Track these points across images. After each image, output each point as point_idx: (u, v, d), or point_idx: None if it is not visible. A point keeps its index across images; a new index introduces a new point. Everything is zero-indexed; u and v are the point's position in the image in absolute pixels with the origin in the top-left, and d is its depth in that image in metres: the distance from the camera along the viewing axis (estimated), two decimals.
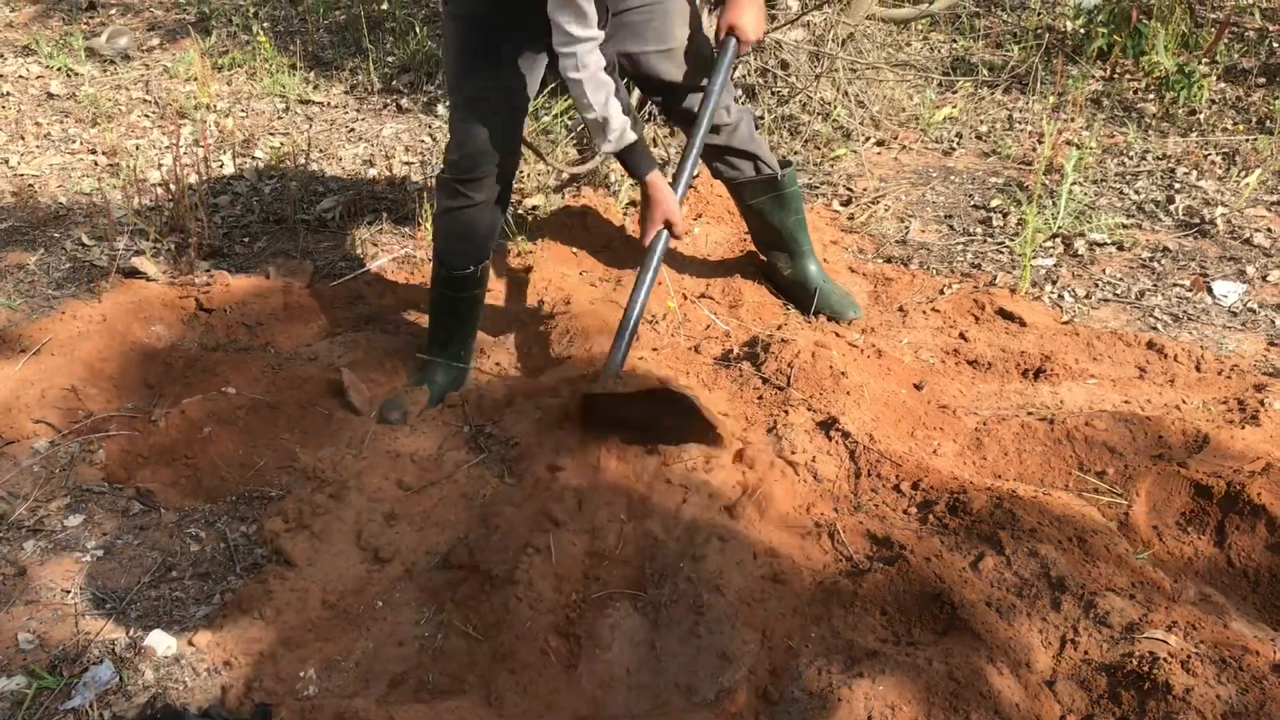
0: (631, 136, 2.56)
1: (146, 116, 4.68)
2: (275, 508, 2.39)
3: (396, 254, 3.50)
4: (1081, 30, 5.21)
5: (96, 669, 1.97)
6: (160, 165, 4.11)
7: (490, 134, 2.60)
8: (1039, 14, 5.53)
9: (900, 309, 3.19)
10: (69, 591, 2.17)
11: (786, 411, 2.62)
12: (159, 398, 2.77)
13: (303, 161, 4.16)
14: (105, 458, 2.55)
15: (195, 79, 4.96)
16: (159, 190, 3.83)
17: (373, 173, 4.15)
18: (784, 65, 4.32)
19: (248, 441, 2.62)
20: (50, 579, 2.20)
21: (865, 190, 3.97)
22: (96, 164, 4.19)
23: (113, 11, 6.16)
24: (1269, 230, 3.58)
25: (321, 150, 4.35)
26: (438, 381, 2.80)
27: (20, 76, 5.11)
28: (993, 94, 4.79)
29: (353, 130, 4.57)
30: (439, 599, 2.12)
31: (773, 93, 4.34)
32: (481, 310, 2.89)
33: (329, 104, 4.85)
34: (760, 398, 2.69)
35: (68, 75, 5.14)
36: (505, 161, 2.66)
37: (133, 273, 3.33)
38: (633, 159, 2.61)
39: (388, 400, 2.73)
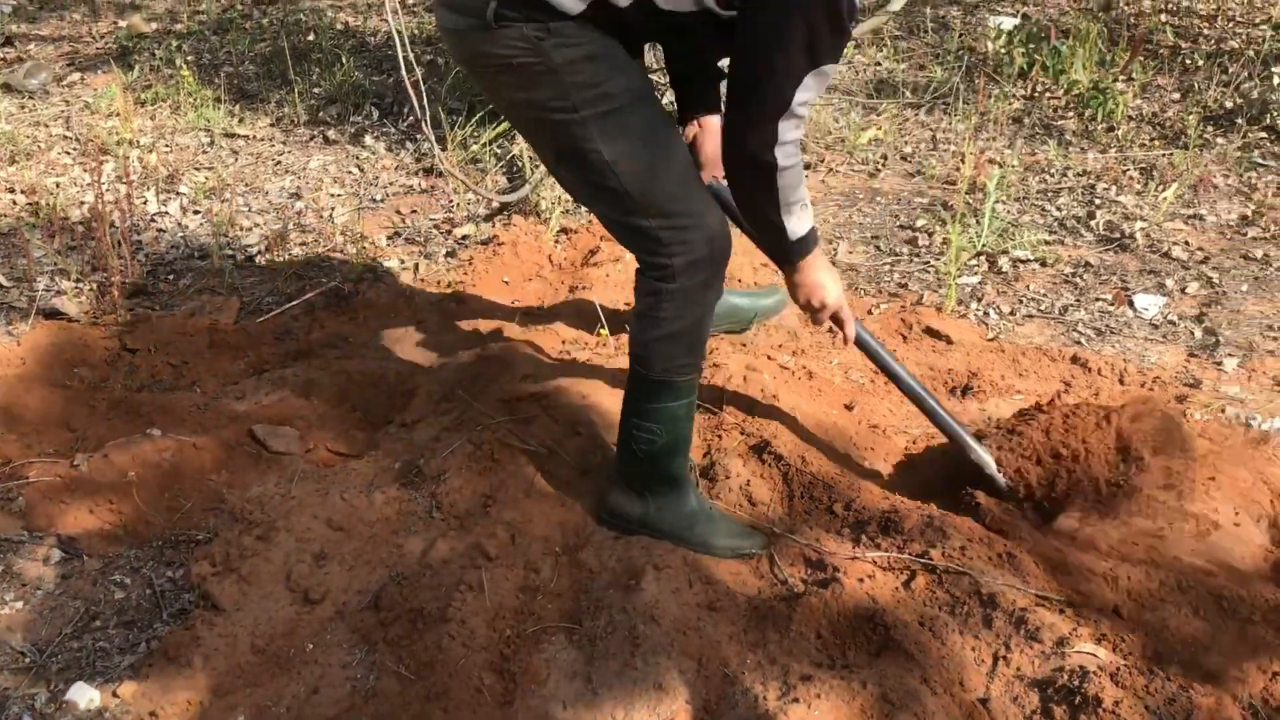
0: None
1: (67, 153, 4.60)
2: (202, 551, 2.34)
3: (323, 288, 3.46)
4: (1002, 50, 5.31)
5: None
6: (82, 203, 4.04)
7: (713, 218, 2.16)
8: (960, 35, 5.64)
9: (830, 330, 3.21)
10: None
11: (720, 436, 2.62)
12: (82, 441, 2.70)
13: (228, 196, 4.11)
14: (25, 505, 2.48)
15: (117, 114, 4.88)
16: (80, 228, 3.77)
17: (299, 206, 4.11)
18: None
19: (174, 484, 2.57)
20: None
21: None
22: (15, 203, 4.11)
23: (31, 46, 6.06)
24: (1186, 243, 3.67)
25: (247, 184, 4.30)
26: (723, 534, 2.33)
27: None
28: (916, 115, 4.86)
29: (279, 163, 4.53)
30: (371, 639, 2.09)
31: None
32: None
33: (255, 137, 4.80)
34: None
35: None
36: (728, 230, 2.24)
37: (54, 313, 3.26)
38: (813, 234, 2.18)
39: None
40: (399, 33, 3.96)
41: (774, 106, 1.93)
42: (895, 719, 1.85)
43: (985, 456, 2.42)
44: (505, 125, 4.41)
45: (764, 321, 3.13)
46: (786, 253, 2.16)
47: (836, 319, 2.30)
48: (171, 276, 3.60)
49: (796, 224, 2.10)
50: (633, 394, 2.30)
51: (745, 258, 3.41)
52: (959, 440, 2.43)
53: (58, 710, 1.95)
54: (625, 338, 3.07)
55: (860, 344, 2.43)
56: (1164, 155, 4.30)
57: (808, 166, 4.39)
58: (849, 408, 2.78)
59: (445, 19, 2.06)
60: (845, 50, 2.17)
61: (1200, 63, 5.18)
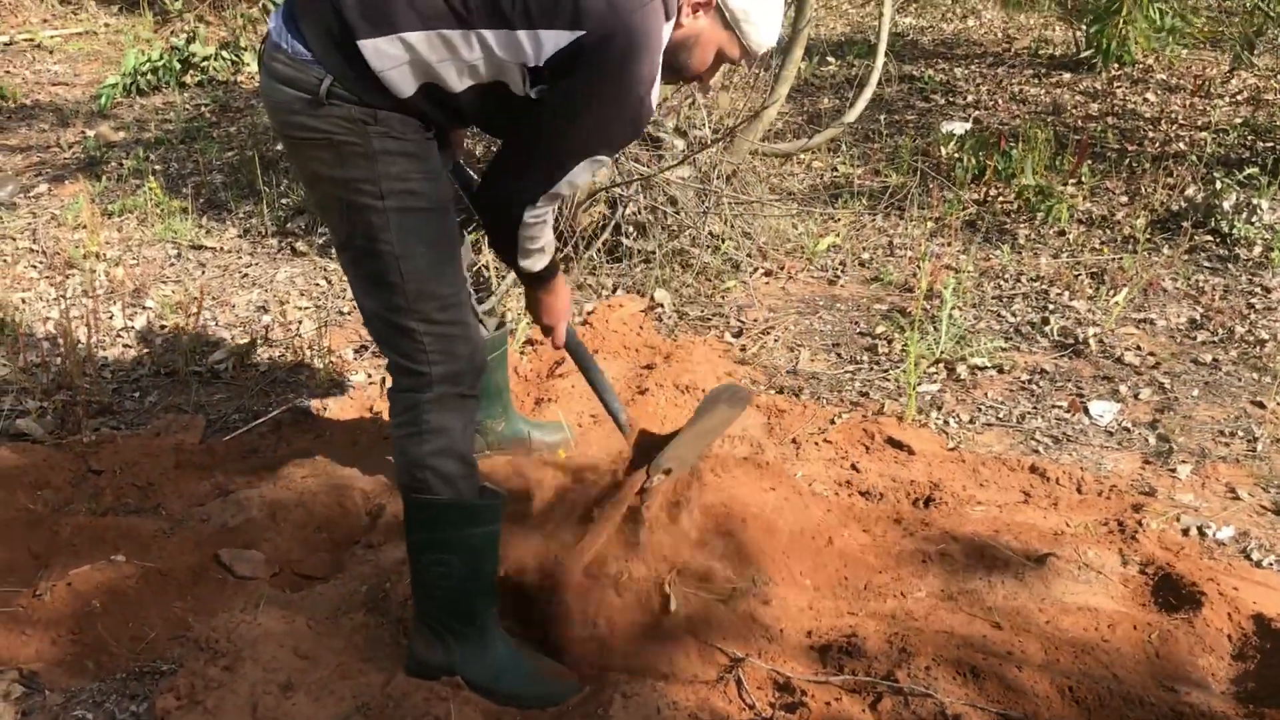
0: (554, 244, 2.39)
1: (34, 267, 4.62)
2: (167, 683, 2.31)
3: (289, 404, 3.48)
4: (955, 155, 5.47)
5: None
6: (47, 319, 4.05)
7: (475, 331, 2.26)
8: (914, 140, 5.80)
9: (794, 441, 3.26)
10: None
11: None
12: (45, 569, 2.68)
13: (194, 310, 4.14)
14: None
15: (84, 226, 4.92)
16: (45, 344, 3.77)
17: (267, 319, 4.15)
18: (673, 201, 4.46)
19: (138, 613, 2.55)
20: None
21: (756, 320, 4.07)
22: None
23: None
24: (1138, 348, 3.76)
25: (214, 297, 4.33)
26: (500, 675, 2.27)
27: None
28: (873, 220, 4.98)
29: (246, 275, 4.56)
30: None
31: (663, 228, 4.46)
32: None
33: (222, 248, 4.84)
34: None
35: None
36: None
37: (18, 435, 3.25)
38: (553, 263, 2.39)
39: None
40: None
41: (544, 181, 2.12)
42: None
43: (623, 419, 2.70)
44: (473, 236, 4.47)
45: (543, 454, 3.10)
46: (521, 276, 2.39)
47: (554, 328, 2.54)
48: (137, 394, 3.61)
49: (533, 263, 2.32)
50: (421, 524, 2.23)
51: (708, 366, 3.47)
52: (611, 409, 2.69)
53: None
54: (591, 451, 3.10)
55: (568, 347, 2.64)
56: (1114, 260, 4.42)
57: (768, 274, 4.48)
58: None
59: (271, 90, 2.08)
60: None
61: (1146, 166, 5.35)
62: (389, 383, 2.26)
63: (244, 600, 2.58)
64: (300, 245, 4.81)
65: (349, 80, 2.01)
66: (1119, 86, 6.90)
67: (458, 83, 2.05)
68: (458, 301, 2.19)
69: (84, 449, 3.15)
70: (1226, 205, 4.67)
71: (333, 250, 4.72)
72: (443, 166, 2.23)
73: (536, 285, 2.42)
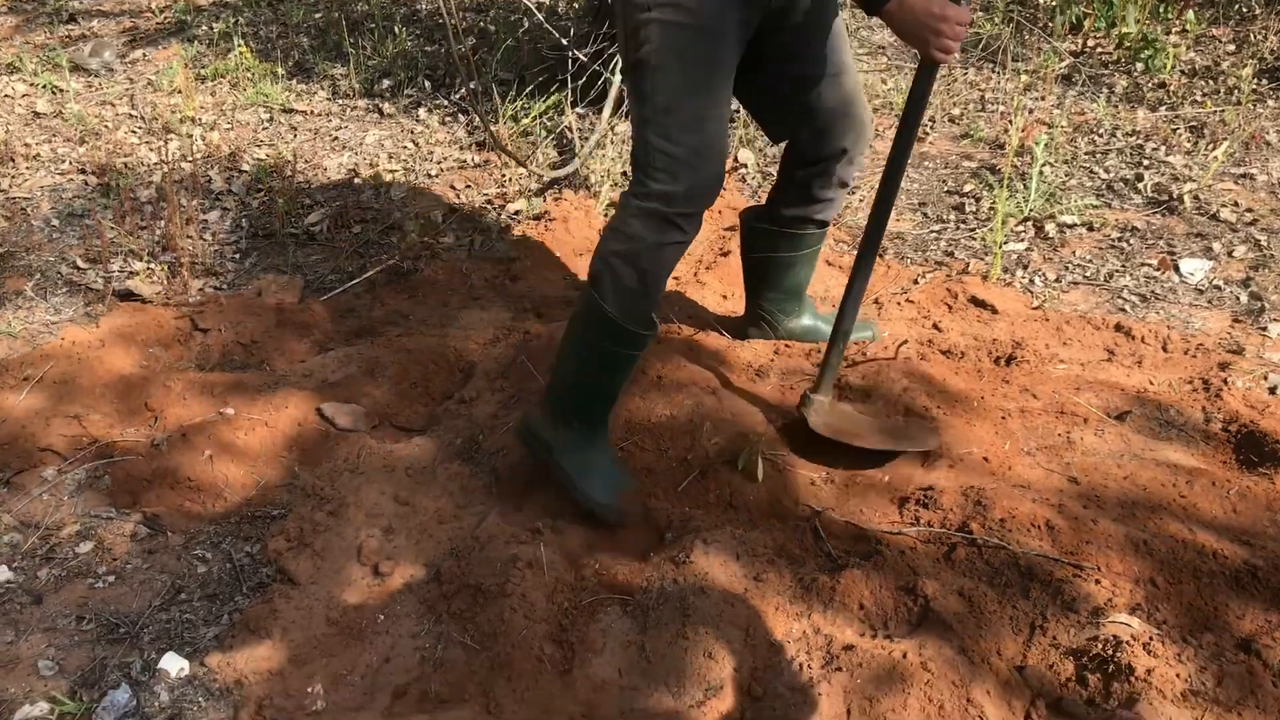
0: None
1: (133, 132, 4.75)
2: (278, 527, 2.48)
3: (384, 265, 3.58)
4: (1053, 3, 5.27)
5: (114, 693, 2.07)
6: (150, 183, 4.19)
7: (717, 160, 2.27)
8: None
9: (876, 301, 3.27)
10: (83, 618, 2.27)
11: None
12: (160, 421, 2.86)
13: (289, 174, 4.24)
14: (111, 484, 2.64)
15: (179, 91, 5.02)
16: (149, 208, 3.91)
17: (357, 182, 4.23)
18: None
19: (248, 462, 2.71)
20: (65, 606, 2.30)
21: None
22: (87, 184, 4.26)
23: (94, 23, 6.20)
24: (1235, 204, 3.67)
25: (307, 160, 4.42)
26: (592, 467, 2.42)
27: (6, 96, 5.16)
28: (965, 74, 4.86)
29: (336, 139, 4.64)
30: (436, 611, 2.22)
31: None
32: None
33: (312, 112, 4.91)
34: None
35: (53, 92, 5.20)
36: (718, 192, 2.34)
37: (128, 295, 3.41)
38: None
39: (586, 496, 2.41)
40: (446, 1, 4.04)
41: None
42: (935, 687, 1.94)
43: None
44: (555, 97, 4.49)
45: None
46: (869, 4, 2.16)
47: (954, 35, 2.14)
48: (237, 256, 3.74)
49: None
50: (581, 317, 2.37)
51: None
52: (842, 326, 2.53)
53: (152, 678, 2.11)
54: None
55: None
56: (1215, 113, 4.27)
57: None
58: None
59: None
60: None
61: (1258, 10, 5.10)
62: None
63: (346, 451, 2.72)
64: (387, 107, 4.87)
65: None
66: None
67: None
68: (701, 129, 2.22)
69: (190, 309, 3.30)
70: None
71: (419, 112, 4.77)
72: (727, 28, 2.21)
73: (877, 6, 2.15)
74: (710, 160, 2.25)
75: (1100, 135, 4.24)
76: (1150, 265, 3.38)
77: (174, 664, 2.13)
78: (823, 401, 2.55)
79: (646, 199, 2.24)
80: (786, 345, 2.93)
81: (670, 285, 3.05)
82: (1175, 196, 3.73)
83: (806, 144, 2.61)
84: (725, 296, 3.34)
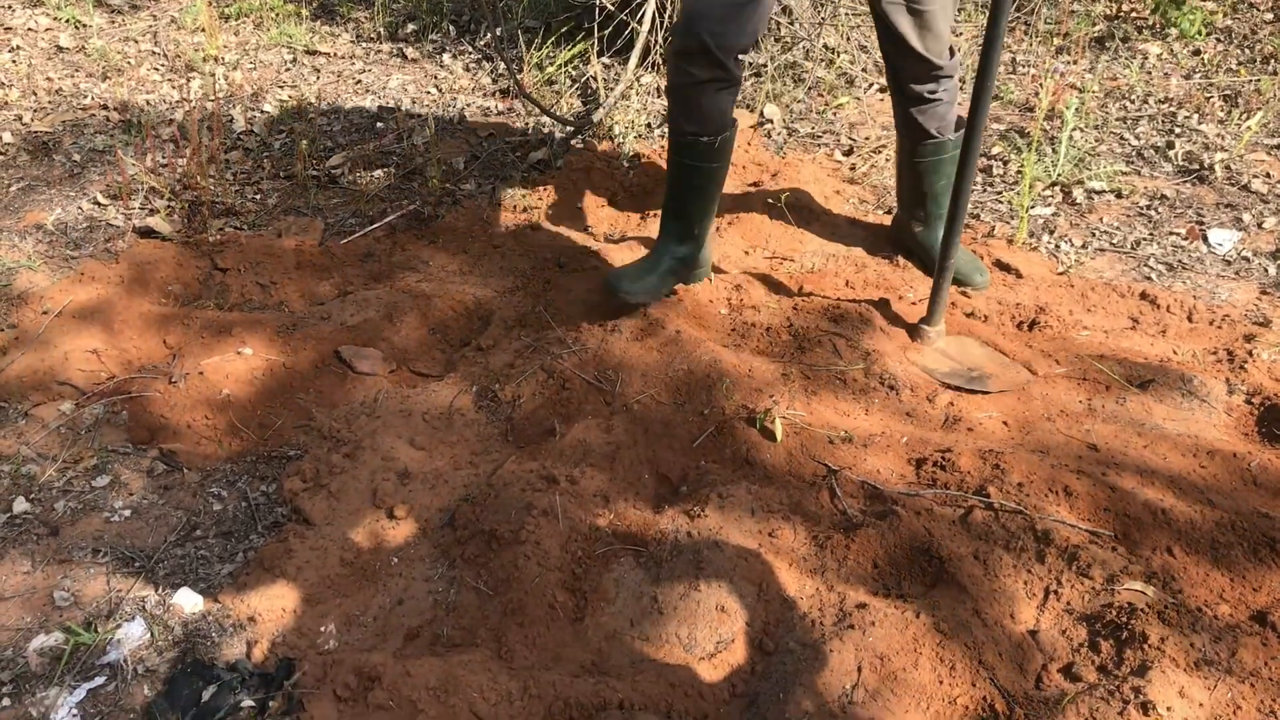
0: None
1: (156, 70, 4.72)
2: (294, 467, 2.49)
3: (404, 210, 3.56)
4: None
5: (129, 625, 2.08)
6: (171, 121, 4.17)
7: (736, 31, 2.62)
8: None
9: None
10: (99, 551, 2.28)
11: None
12: (178, 359, 2.86)
13: (311, 115, 4.21)
14: (128, 419, 2.64)
15: (202, 29, 4.99)
16: (170, 146, 3.90)
17: (379, 126, 4.20)
18: (787, 11, 4.33)
19: (265, 401, 2.71)
20: (81, 539, 2.31)
21: (867, 139, 4.00)
22: (109, 120, 4.24)
23: None
24: (1267, 175, 3.62)
25: (329, 103, 4.39)
26: (665, 261, 2.92)
27: (29, 29, 5.13)
28: None
29: (359, 82, 4.61)
30: (450, 555, 2.23)
31: (775, 40, 4.35)
32: (719, 193, 2.94)
33: (336, 54, 4.88)
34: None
35: (76, 27, 5.17)
36: (754, 41, 2.70)
37: (148, 232, 3.40)
38: None
39: (617, 272, 2.91)
40: None
41: None
42: (946, 648, 1.94)
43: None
44: (581, 46, 4.44)
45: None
46: None
47: None
48: (258, 196, 3.72)
49: None
50: (670, 132, 2.85)
51: (816, 185, 3.44)
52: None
53: (166, 612, 2.12)
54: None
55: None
56: (1250, 81, 4.20)
57: (883, 89, 4.36)
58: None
59: None
60: None
61: None
62: None
63: (363, 394, 2.72)
64: (411, 52, 4.82)
65: None
66: None
67: None
68: (720, 14, 2.59)
69: (210, 248, 3.29)
70: None
71: (443, 57, 4.72)
72: None
73: None
74: (722, 31, 2.59)
75: (1132, 101, 4.18)
76: (1178, 234, 3.34)
77: (188, 599, 2.14)
78: (930, 332, 2.81)
79: (685, 40, 2.63)
80: (804, 303, 2.91)
81: None
82: (1206, 166, 3.68)
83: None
84: (747, 252, 3.32)
